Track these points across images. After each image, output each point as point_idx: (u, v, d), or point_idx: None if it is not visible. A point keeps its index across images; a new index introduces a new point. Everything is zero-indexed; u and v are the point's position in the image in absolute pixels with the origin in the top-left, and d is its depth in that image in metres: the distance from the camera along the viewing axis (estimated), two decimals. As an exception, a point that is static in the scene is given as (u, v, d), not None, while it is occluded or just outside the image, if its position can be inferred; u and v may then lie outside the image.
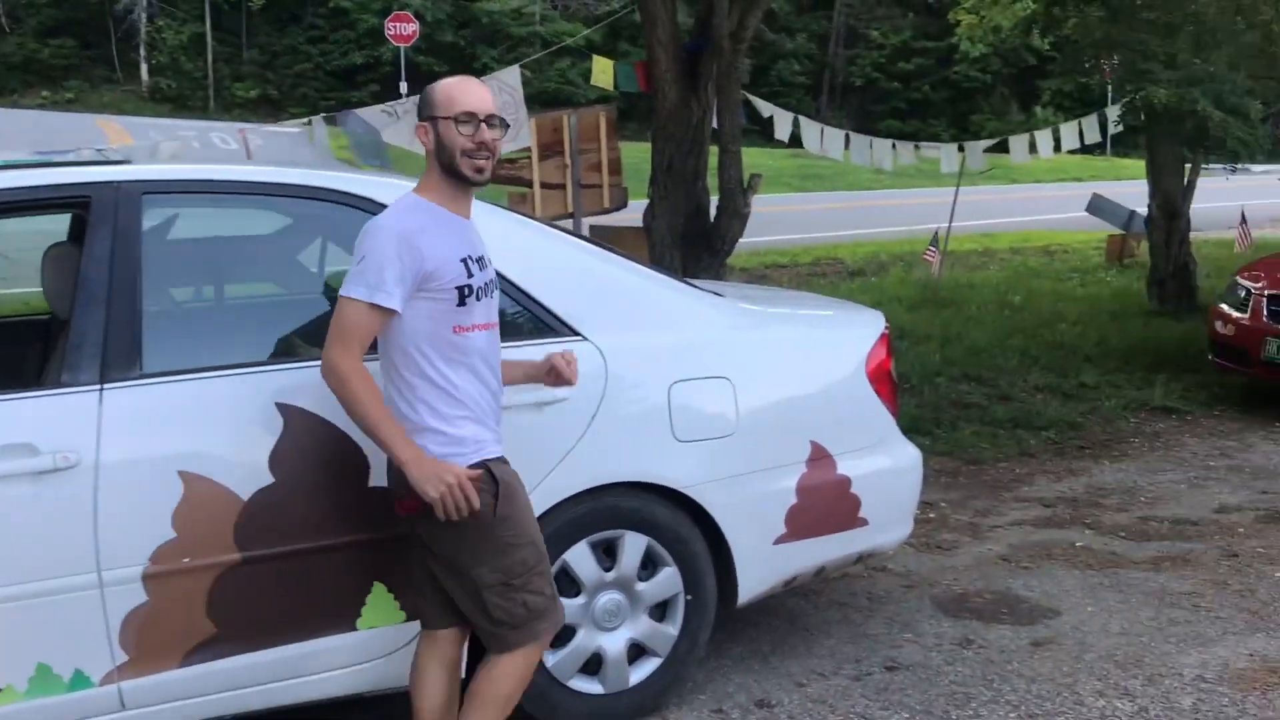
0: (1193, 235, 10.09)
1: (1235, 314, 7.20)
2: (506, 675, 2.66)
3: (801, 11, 41.96)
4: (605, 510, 3.16)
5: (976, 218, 18.47)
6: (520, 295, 3.11)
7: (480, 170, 2.58)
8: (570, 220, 7.85)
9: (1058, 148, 10.03)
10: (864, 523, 3.55)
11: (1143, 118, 7.92)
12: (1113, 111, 9.04)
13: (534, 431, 3.03)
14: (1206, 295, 9.48)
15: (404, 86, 28.51)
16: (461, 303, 2.56)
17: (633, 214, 7.94)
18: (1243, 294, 7.26)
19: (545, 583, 2.68)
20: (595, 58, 8.05)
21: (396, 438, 2.49)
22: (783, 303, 3.77)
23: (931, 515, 5.23)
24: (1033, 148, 9.89)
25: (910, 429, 6.41)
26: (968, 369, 7.79)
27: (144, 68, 36.71)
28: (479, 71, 36.45)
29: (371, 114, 6.92)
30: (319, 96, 35.43)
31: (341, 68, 37.82)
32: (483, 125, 2.56)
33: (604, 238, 9.08)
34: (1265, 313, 6.98)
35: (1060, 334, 8.90)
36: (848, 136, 9.15)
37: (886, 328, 3.69)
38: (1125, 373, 7.94)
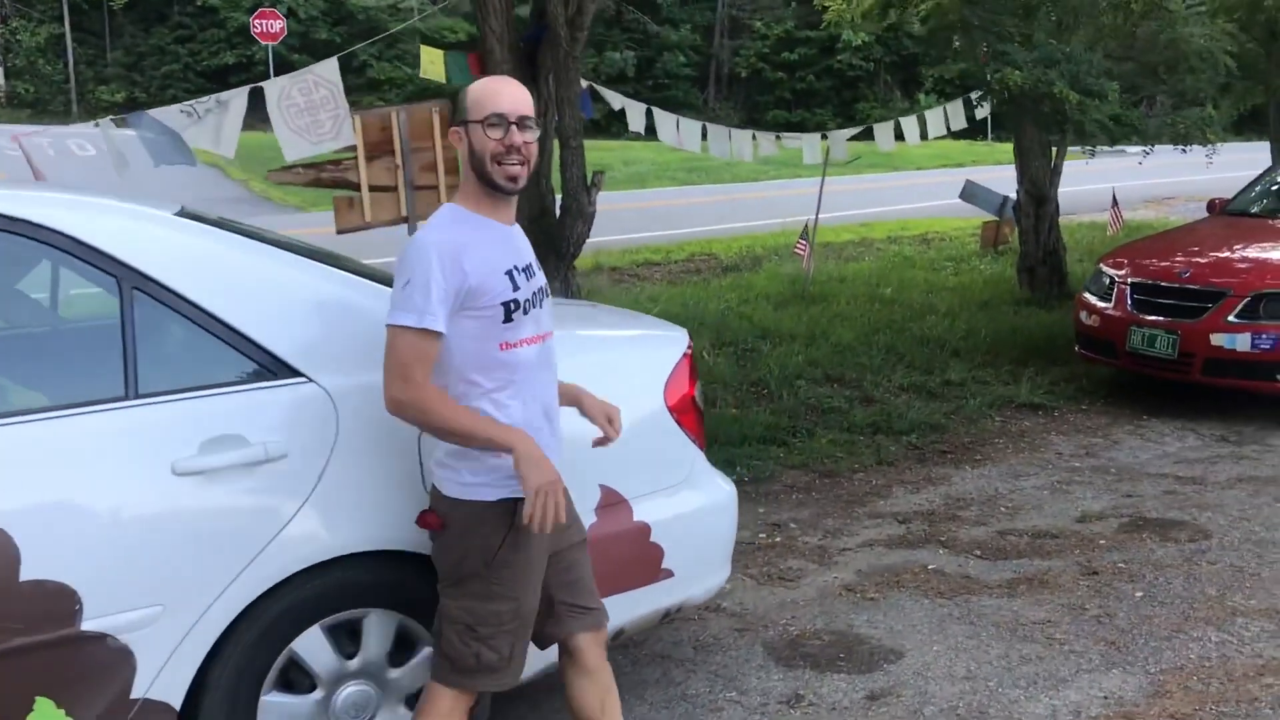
0: (1066, 219, 9.89)
1: (1099, 303, 6.94)
2: (431, 704, 2.52)
3: (685, 3, 41.71)
4: (343, 586, 2.65)
5: (855, 207, 18.28)
6: (220, 328, 2.56)
7: (513, 177, 2.44)
8: (405, 225, 7.29)
9: (924, 134, 9.74)
10: (668, 574, 3.09)
11: (999, 101, 7.63)
12: (978, 96, 8.79)
13: (244, 498, 2.50)
14: (1077, 281, 9.27)
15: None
16: (508, 318, 2.43)
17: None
18: (1107, 282, 7.01)
19: (510, 644, 2.51)
20: (424, 47, 7.49)
21: (497, 430, 2.39)
22: (572, 323, 3.29)
23: (778, 539, 4.81)
24: (899, 135, 9.58)
25: (765, 439, 6.08)
26: (831, 370, 7.42)
27: (0, 71, 34.98)
28: (358, 70, 35.53)
29: (169, 114, 6.26)
30: (189, 98, 34.05)
31: (212, 68, 36.55)
32: (513, 128, 2.41)
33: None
34: (1129, 301, 6.73)
35: (929, 327, 8.59)
36: (704, 128, 8.72)
37: (689, 349, 3.23)
38: (993, 367, 7.66)
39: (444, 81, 7.41)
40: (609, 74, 38.60)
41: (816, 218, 9.90)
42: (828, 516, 5.11)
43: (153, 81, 36.41)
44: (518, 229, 2.59)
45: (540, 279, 2.56)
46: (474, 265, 2.38)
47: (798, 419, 6.45)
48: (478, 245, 2.41)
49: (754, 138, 8.93)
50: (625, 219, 16.11)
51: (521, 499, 2.39)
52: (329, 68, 6.75)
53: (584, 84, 8.23)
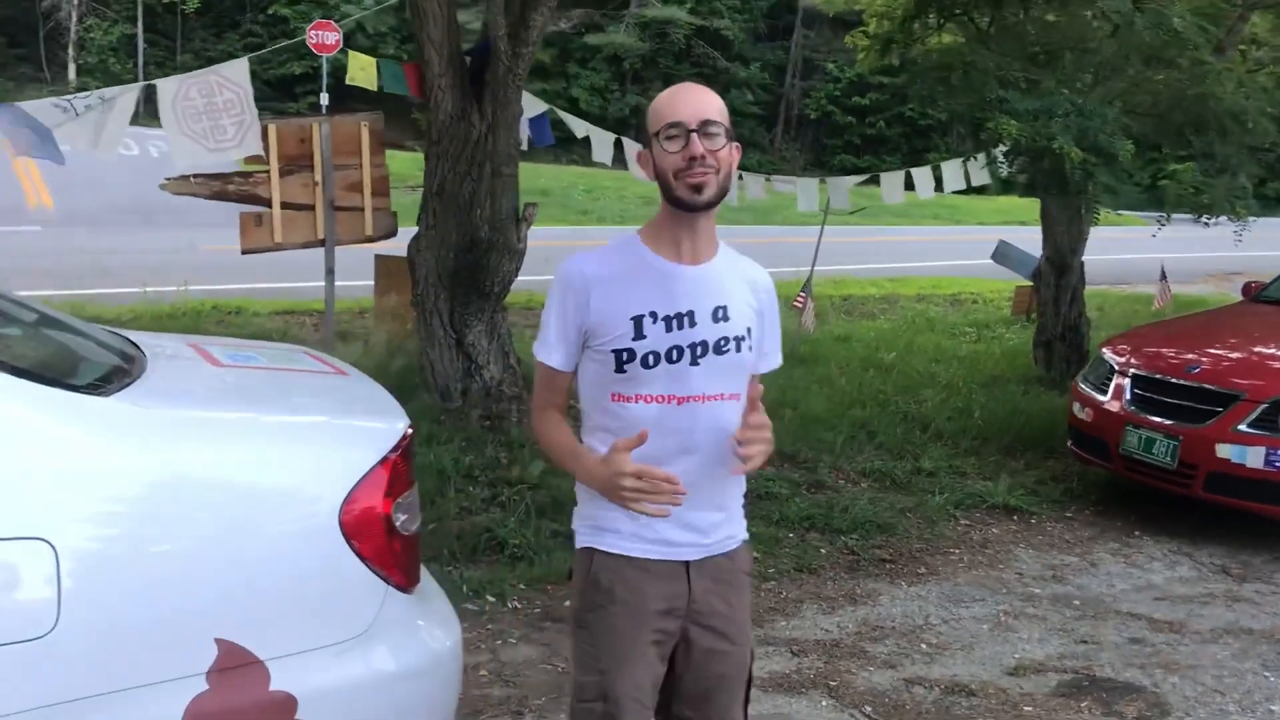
0: (1114, 289, 8.85)
1: (1095, 395, 5.97)
2: None
3: (758, 40, 41.01)
4: None
5: (895, 259, 17.35)
6: None
7: (698, 186, 2.15)
8: (322, 249, 6.56)
9: (939, 187, 8.81)
10: (329, 771, 2.24)
11: (1009, 155, 6.70)
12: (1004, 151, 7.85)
13: None
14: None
15: (324, 99, 27.30)
16: (619, 369, 2.19)
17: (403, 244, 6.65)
18: (1106, 370, 6.03)
19: None
20: (352, 54, 6.77)
21: (569, 463, 2.30)
22: (245, 399, 2.46)
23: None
24: (909, 186, 8.67)
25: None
26: (786, 446, 6.49)
27: (72, 68, 35.31)
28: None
29: (41, 108, 5.61)
30: (256, 106, 34.18)
31: (279, 77, 36.56)
32: (694, 136, 2.13)
33: (387, 273, 7.80)
34: (1128, 396, 5.76)
35: (918, 403, 7.64)
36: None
37: (400, 448, 2.39)
38: (977, 455, 6.70)
39: (375, 90, 6.66)
40: (674, 107, 37.94)
41: (813, 269, 8.99)
42: (709, 637, 4.21)
43: (219, 87, 36.42)
44: (709, 269, 2.25)
45: (708, 332, 2.20)
46: (602, 303, 2.20)
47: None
48: (618, 281, 2.21)
49: (740, 178, 8.07)
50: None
51: (600, 550, 2.27)
52: (236, 69, 6.06)
53: (545, 107, 7.47)
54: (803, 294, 9.61)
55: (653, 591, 2.25)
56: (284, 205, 6.43)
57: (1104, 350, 6.23)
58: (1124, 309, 12.18)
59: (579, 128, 7.60)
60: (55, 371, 2.26)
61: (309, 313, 9.54)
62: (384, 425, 2.43)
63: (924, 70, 7.40)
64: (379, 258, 7.67)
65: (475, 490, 5.28)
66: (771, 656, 4.08)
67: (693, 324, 2.20)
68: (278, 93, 36.19)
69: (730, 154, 2.20)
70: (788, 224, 20.95)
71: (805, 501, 5.70)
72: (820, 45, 40.23)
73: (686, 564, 2.27)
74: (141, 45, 35.63)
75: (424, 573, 2.75)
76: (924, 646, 4.23)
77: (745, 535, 2.40)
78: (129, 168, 16.39)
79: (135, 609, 2.06)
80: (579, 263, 2.25)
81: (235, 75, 6.05)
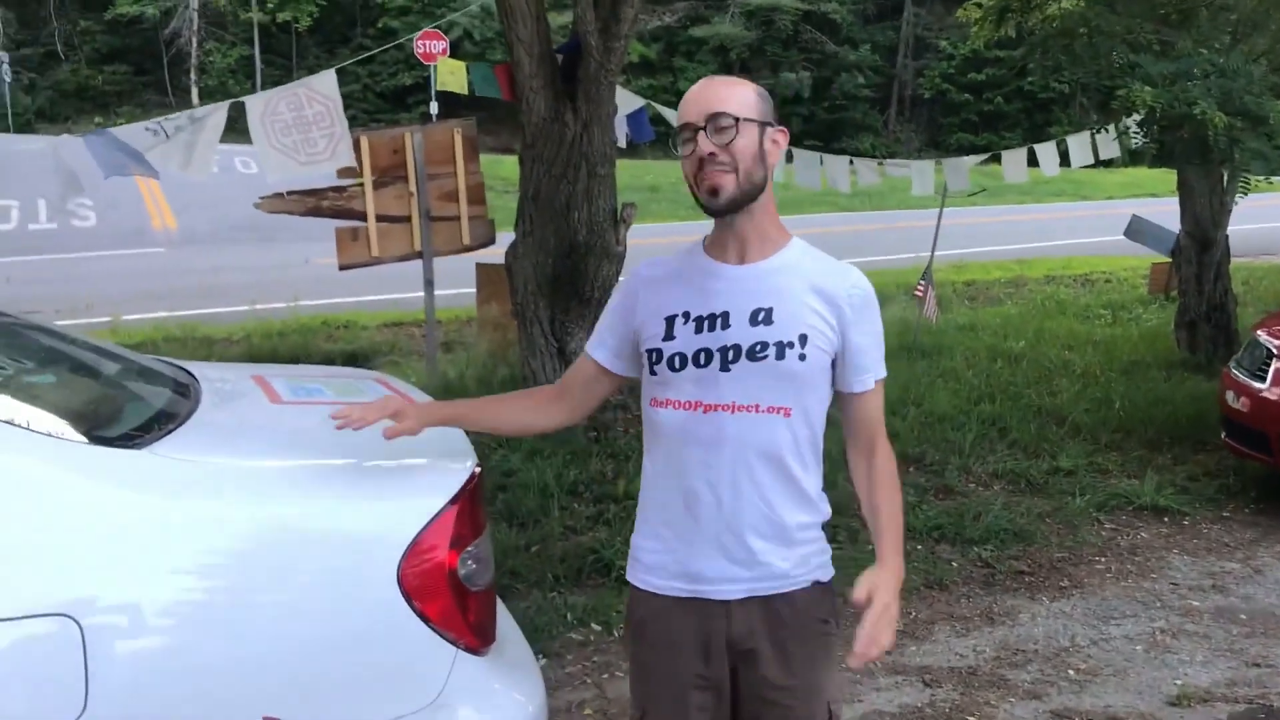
0: (1264, 260, 8.19)
1: (1251, 383, 5.43)
2: None
3: (867, 22, 40.14)
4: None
5: (1020, 240, 16.64)
6: None
7: (713, 189, 1.96)
8: (420, 261, 6.41)
9: (1065, 162, 8.28)
10: None
11: (1143, 126, 6.18)
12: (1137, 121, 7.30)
13: None
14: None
15: (434, 107, 27.55)
16: (651, 370, 2.06)
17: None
18: (1263, 355, 5.49)
19: None
20: (441, 59, 6.61)
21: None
22: (301, 444, 2.22)
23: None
24: (1032, 163, 8.16)
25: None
26: (910, 447, 6.10)
27: (194, 91, 36.43)
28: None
29: (133, 132, 5.55)
30: (368, 118, 34.79)
31: (390, 89, 37.19)
32: (700, 134, 1.94)
33: (488, 281, 7.61)
34: (1290, 382, 5.22)
35: (1052, 394, 7.15)
36: (789, 153, 7.53)
37: (467, 492, 2.13)
38: (1120, 450, 6.20)
39: (465, 94, 6.49)
40: (784, 95, 37.48)
41: (933, 255, 8.53)
42: (831, 666, 3.89)
43: (333, 102, 37.22)
44: (757, 269, 2.04)
45: (743, 335, 1.99)
46: (647, 301, 2.09)
47: (843, 515, 5.18)
48: (664, 281, 2.09)
49: (851, 163, 7.68)
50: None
51: (633, 584, 2.12)
52: (325, 81, 5.94)
53: (641, 102, 7.20)
54: (923, 282, 9.15)
55: (683, 631, 2.05)
56: (379, 218, 6.30)
57: (1259, 333, 5.68)
58: (1272, 283, 11.38)
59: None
60: (90, 421, 2.06)
61: (417, 324, 9.44)
62: (448, 465, 2.18)
63: (1044, 39, 6.90)
64: (480, 266, 7.51)
65: (580, 507, 5.04)
66: (902, 688, 3.74)
67: (726, 326, 2.00)
68: (390, 104, 36.84)
69: (757, 141, 1.96)
70: (903, 208, 20.34)
71: (933, 509, 5.31)
72: (932, 22, 39.19)
73: (727, 603, 2.03)
74: (259, 66, 36.61)
75: (505, 618, 2.50)
76: (1071, 673, 3.83)
77: (822, 577, 2.10)
78: (247, 186, 16.66)
79: (171, 687, 1.85)
80: (642, 265, 2.16)
81: (323, 88, 5.92)
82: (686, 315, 2.03)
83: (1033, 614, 4.32)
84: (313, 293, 10.36)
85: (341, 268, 6.31)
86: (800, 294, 2.02)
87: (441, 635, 2.04)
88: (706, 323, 2.01)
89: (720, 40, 37.70)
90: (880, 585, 1.98)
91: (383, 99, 37.79)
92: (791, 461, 2.03)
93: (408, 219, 6.33)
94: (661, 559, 2.06)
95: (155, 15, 36.03)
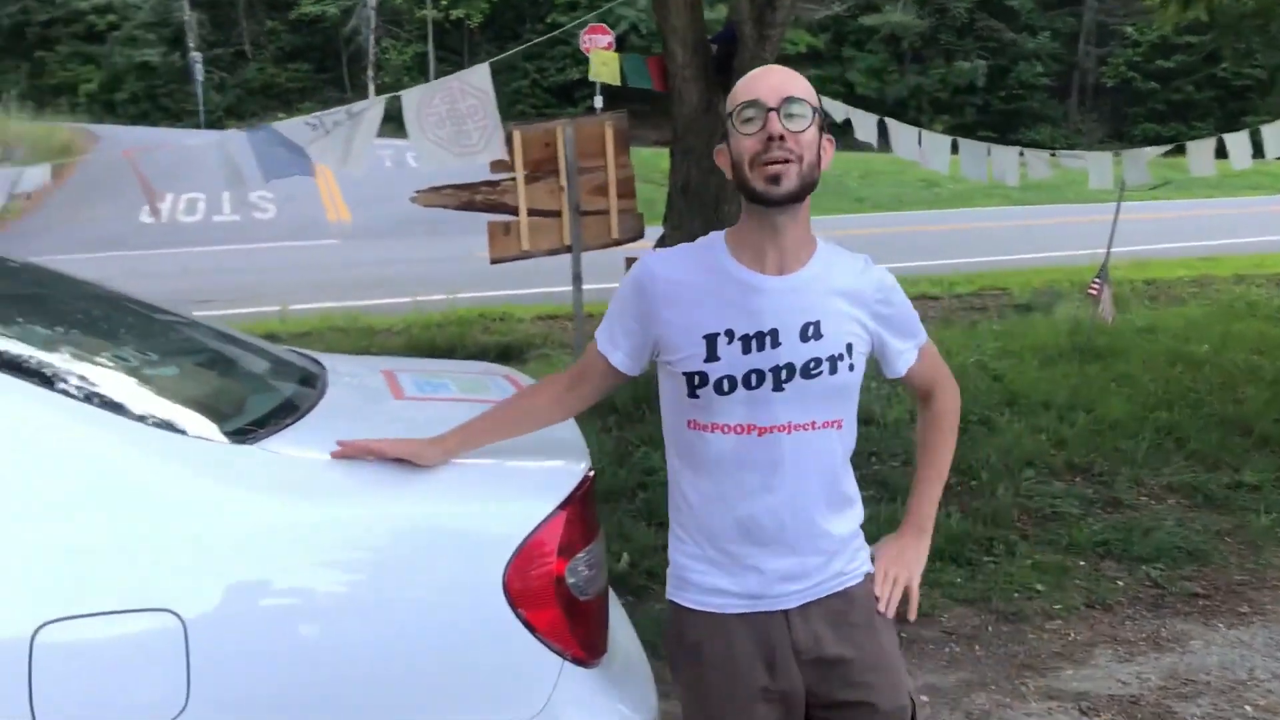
0: None
1: None
2: None
3: (1047, 8, 38.65)
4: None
5: (1211, 236, 15.72)
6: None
7: (774, 177, 1.84)
8: (569, 255, 6.38)
9: (1259, 153, 7.71)
10: None
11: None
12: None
13: None
14: None
15: (599, 102, 27.78)
16: (692, 393, 1.92)
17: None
18: None
19: None
20: (594, 51, 6.59)
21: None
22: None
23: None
24: (1220, 154, 7.63)
25: (939, 554, 4.63)
26: (1078, 456, 5.76)
27: (371, 88, 37.71)
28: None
29: (294, 127, 5.68)
30: (535, 113, 35.39)
31: (558, 84, 37.74)
32: (772, 114, 1.83)
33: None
34: None
35: (1237, 403, 6.66)
36: (955, 143, 7.22)
37: (572, 500, 2.03)
38: (1313, 465, 5.72)
39: (618, 85, 6.43)
40: (957, 84, 36.46)
41: (1109, 251, 8.05)
42: (980, 688, 3.67)
43: (503, 97, 37.94)
44: (799, 280, 1.94)
45: (795, 353, 1.90)
46: (670, 312, 1.94)
47: (1001, 527, 4.93)
48: (691, 291, 1.93)
49: (1021, 155, 7.31)
50: (899, 244, 14.63)
51: (682, 605, 2.03)
52: (479, 74, 5.97)
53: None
54: (1097, 280, 8.68)
55: (745, 646, 1.98)
56: (530, 212, 6.29)
57: None
58: None
59: (838, 111, 7.10)
60: (203, 414, 2.05)
61: (569, 317, 9.45)
62: (560, 468, 2.09)
63: (1235, 21, 6.41)
64: (629, 261, 7.43)
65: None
66: (1055, 715, 3.49)
67: (776, 344, 1.91)
68: (557, 99, 37.35)
69: (817, 140, 1.88)
70: (1081, 201, 19.45)
71: (1099, 523, 4.99)
72: (1116, 8, 37.46)
73: (785, 612, 1.99)
74: (433, 62, 37.61)
75: (624, 626, 2.42)
76: (1248, 709, 3.51)
77: (868, 568, 2.10)
78: (417, 181, 17.12)
79: (271, 690, 1.81)
80: (652, 261, 1.99)
81: (477, 81, 5.95)
82: (730, 334, 1.91)
83: (1206, 641, 3.99)
84: (471, 285, 10.50)
85: (493, 261, 6.32)
86: (838, 302, 1.97)
87: (547, 645, 1.96)
88: (755, 342, 1.91)
89: (891, 29, 36.93)
90: (887, 556, 2.12)
91: (550, 94, 38.35)
92: (841, 472, 2.03)
93: (558, 213, 6.30)
94: (715, 580, 2.01)
95: (335, 14, 37.38)
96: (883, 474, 5.37)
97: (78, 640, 1.71)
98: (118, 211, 16.95)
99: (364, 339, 8.41)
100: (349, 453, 1.96)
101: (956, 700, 3.58)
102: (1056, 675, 3.75)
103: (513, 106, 37.20)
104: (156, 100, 37.29)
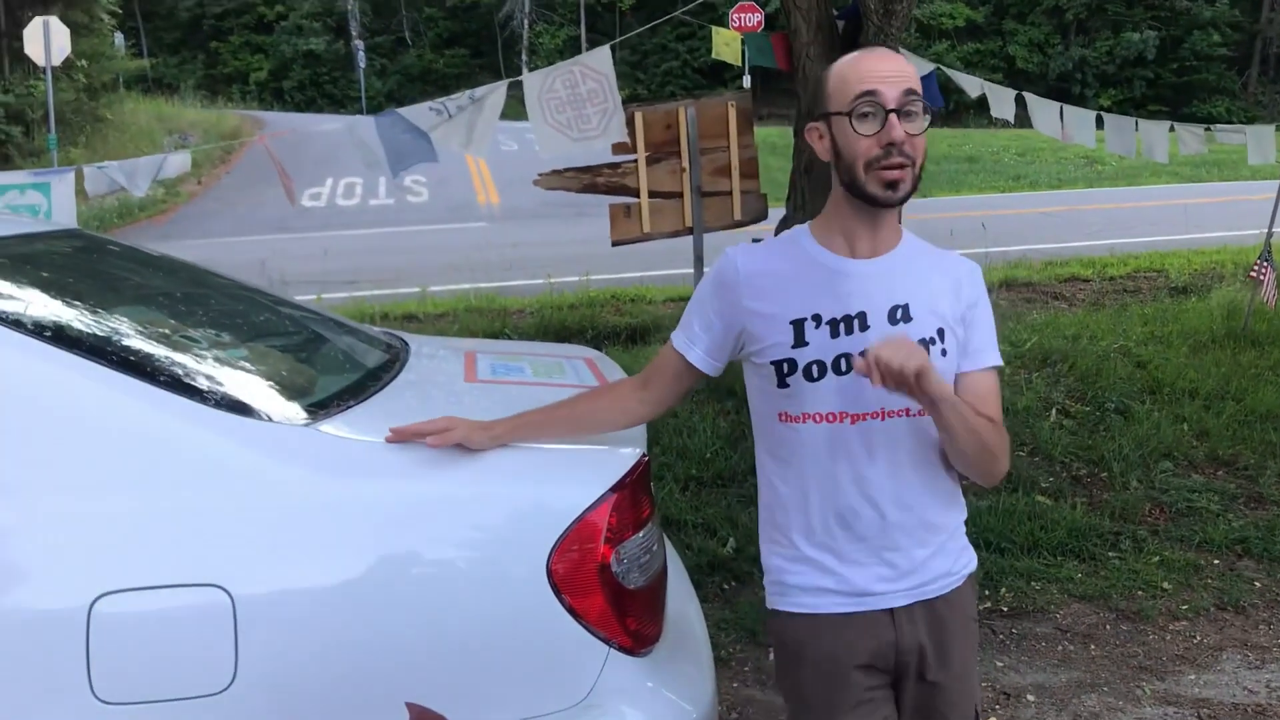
0: None
1: None
2: None
3: (1226, -27, 36.60)
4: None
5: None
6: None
7: (893, 183, 1.80)
8: (690, 237, 6.34)
9: None
10: None
11: None
12: None
13: None
14: None
15: (746, 81, 27.58)
16: (781, 383, 1.87)
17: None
18: None
19: None
20: (716, 29, 6.48)
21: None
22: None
23: (997, 716, 3.33)
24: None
25: (1061, 549, 4.44)
26: (1221, 448, 5.44)
27: (524, 72, 38.29)
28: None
29: (418, 112, 5.77)
30: (685, 94, 35.38)
31: (709, 64, 37.61)
32: (892, 117, 1.78)
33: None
34: None
35: None
36: (1099, 118, 6.88)
37: (623, 485, 2.00)
38: None
39: (739, 65, 6.34)
40: (1124, 57, 34.94)
41: (1270, 231, 7.57)
42: (1092, 689, 3.51)
43: (654, 78, 38.12)
44: (887, 263, 1.90)
45: (883, 337, 1.80)
46: (758, 302, 1.89)
47: (1130, 521, 4.70)
48: (776, 279, 1.89)
49: (1172, 130, 6.94)
50: (1056, 224, 14.10)
51: (785, 611, 1.96)
52: (599, 57, 5.96)
53: (931, 67, 6.78)
54: (1260, 261, 8.18)
55: (850, 647, 1.92)
56: (652, 194, 6.27)
57: None
58: None
59: (972, 86, 6.85)
60: (266, 393, 2.10)
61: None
62: (611, 451, 2.07)
63: None
64: (755, 242, 7.36)
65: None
66: (1170, 721, 3.32)
67: (864, 327, 1.85)
68: (708, 79, 37.25)
69: (923, 140, 1.83)
70: (1257, 178, 18.36)
71: (1239, 519, 4.71)
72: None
73: (890, 611, 1.92)
74: (584, 45, 37.91)
75: (691, 613, 2.39)
76: (1387, 724, 3.27)
77: (970, 568, 2.02)
78: (561, 163, 17.33)
79: (319, 666, 1.84)
80: (734, 254, 1.96)
81: (598, 64, 5.94)
82: (818, 319, 1.86)
83: (1348, 650, 3.73)
84: (604, 267, 10.56)
85: (614, 244, 6.33)
86: (929, 285, 1.89)
87: (593, 633, 1.94)
88: (843, 325, 1.85)
89: (1055, 1, 35.54)
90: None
91: (700, 74, 38.27)
92: (940, 461, 1.92)
93: (679, 195, 6.27)
94: (816, 580, 1.94)
95: (491, 0, 38.06)
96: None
97: (132, 612, 1.78)
98: (281, 195, 17.65)
99: (498, 320, 8.55)
100: (401, 438, 1.97)
101: (1065, 701, 3.44)
102: (1177, 680, 3.56)
103: (664, 87, 37.30)
104: (321, 87, 38.69)
